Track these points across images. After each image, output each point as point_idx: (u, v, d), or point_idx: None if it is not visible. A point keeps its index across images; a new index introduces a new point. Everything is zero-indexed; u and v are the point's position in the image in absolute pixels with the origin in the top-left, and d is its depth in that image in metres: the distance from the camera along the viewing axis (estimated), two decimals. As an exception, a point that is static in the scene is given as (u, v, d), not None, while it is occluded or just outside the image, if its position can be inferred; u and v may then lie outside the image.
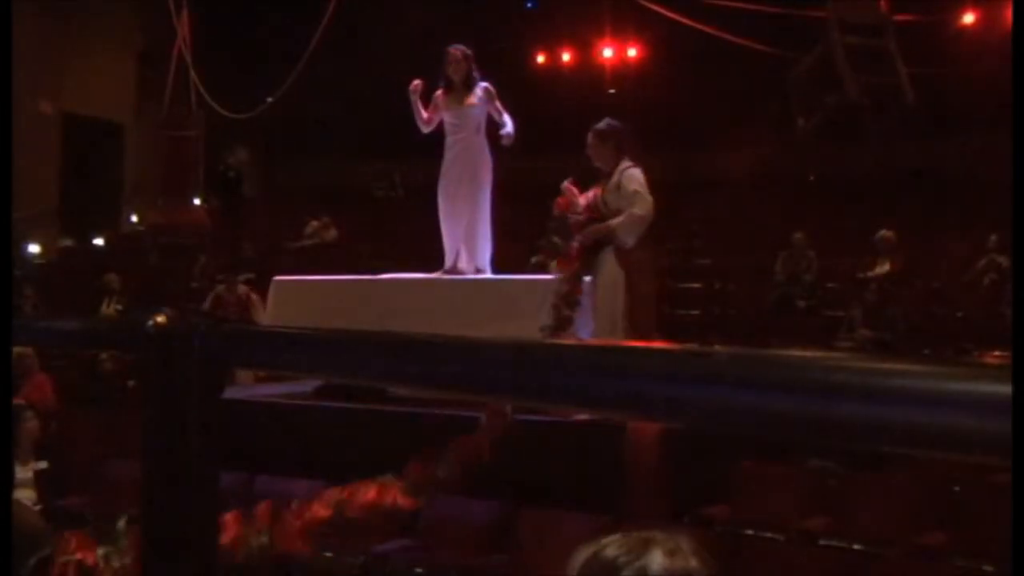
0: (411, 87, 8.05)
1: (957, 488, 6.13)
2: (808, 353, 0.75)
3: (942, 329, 11.33)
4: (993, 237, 12.21)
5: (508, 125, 7.80)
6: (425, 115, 8.05)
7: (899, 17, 15.89)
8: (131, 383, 10.19)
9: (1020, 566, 0.81)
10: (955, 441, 0.67)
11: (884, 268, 11.83)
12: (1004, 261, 11.80)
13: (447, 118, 7.96)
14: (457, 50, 7.95)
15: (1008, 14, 16.38)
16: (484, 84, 7.96)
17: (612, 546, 1.52)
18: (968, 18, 16.67)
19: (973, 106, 16.01)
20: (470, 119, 7.89)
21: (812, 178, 17.12)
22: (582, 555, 1.53)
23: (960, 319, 11.70)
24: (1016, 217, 4.83)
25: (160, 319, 1.20)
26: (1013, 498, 0.82)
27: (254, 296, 11.58)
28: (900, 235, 12.24)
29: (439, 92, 8.01)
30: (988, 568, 5.26)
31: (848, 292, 11.96)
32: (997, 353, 9.27)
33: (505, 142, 7.90)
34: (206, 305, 11.79)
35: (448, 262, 7.97)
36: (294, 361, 1.22)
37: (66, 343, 1.49)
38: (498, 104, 7.93)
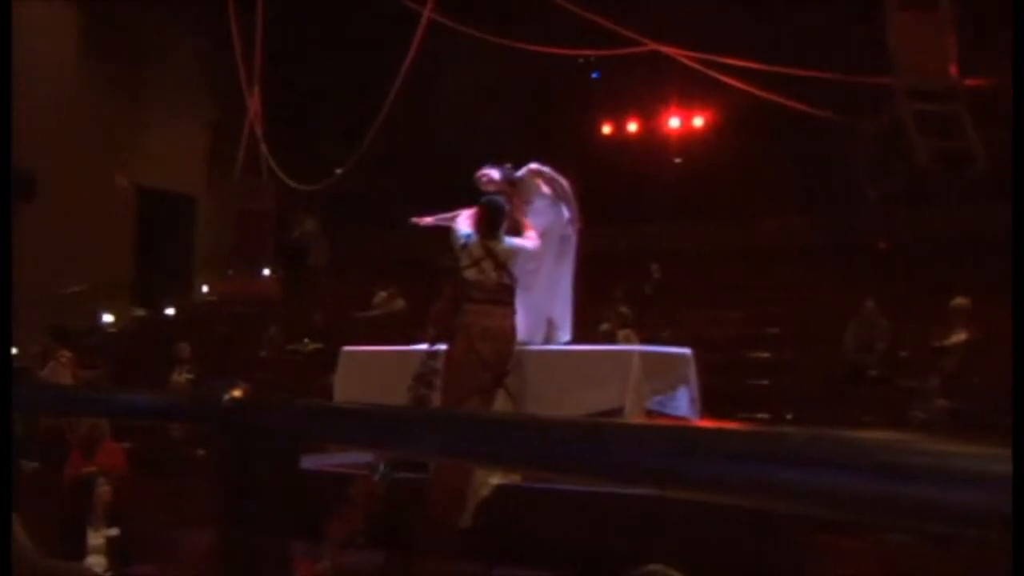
0: (416, 223, 8.05)
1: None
2: (882, 435, 0.74)
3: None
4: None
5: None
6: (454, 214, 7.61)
7: (969, 82, 15.79)
8: (200, 452, 10.27)
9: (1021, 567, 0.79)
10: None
11: (960, 337, 11.58)
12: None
13: (531, 219, 7.52)
14: (483, 177, 7.51)
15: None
16: (528, 168, 7.63)
17: None
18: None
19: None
20: (548, 201, 7.70)
21: (883, 245, 16.93)
22: None
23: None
24: (1016, 221, 4.72)
25: (236, 393, 1.21)
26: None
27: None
28: (975, 302, 11.99)
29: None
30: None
31: (921, 361, 11.71)
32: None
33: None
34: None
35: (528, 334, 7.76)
36: (365, 438, 1.23)
37: (142, 416, 1.51)
38: (548, 172, 7.68)
